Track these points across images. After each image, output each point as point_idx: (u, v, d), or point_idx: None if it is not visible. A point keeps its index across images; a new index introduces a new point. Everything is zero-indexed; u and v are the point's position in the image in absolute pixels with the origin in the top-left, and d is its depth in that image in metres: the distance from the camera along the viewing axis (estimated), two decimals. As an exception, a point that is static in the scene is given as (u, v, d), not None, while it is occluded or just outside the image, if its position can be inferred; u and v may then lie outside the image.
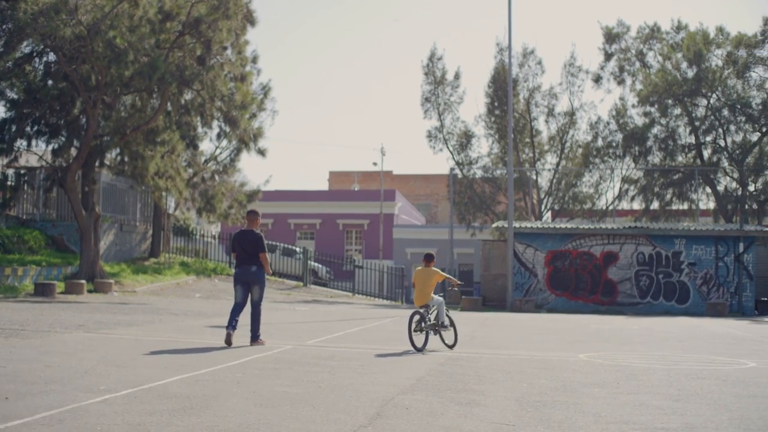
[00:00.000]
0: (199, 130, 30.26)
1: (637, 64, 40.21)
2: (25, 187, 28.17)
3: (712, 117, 37.45)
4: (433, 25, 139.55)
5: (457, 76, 41.26)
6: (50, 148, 25.92)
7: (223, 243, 35.48)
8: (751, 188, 37.42)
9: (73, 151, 25.08)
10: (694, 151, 38.61)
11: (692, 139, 38.36)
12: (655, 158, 39.14)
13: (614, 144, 39.63)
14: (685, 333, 16.25)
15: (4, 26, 22.03)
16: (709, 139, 38.23)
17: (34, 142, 25.62)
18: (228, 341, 10.25)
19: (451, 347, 10.97)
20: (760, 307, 27.58)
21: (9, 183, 26.11)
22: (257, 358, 9.18)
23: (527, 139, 40.83)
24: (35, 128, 25.39)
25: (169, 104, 25.29)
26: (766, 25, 36.14)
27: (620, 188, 39.64)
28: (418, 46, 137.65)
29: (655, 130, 38.55)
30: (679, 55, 38.13)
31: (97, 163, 26.34)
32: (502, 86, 38.73)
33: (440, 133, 40.83)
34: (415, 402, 6.48)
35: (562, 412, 6.30)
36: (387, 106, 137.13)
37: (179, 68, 22.68)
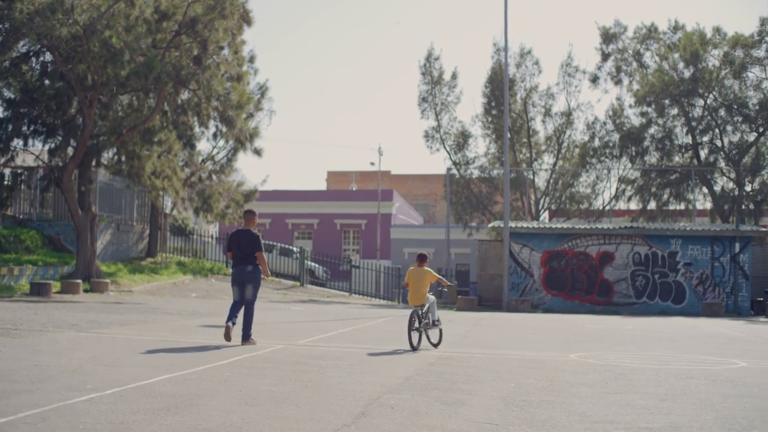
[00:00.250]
0: (196, 129, 30.31)
1: (634, 64, 40.22)
2: (22, 187, 28.20)
3: (709, 117, 37.47)
4: (431, 25, 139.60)
5: (454, 76, 41.29)
6: (47, 147, 25.97)
7: (220, 243, 35.50)
8: (748, 188, 37.43)
9: (70, 151, 25.12)
10: (690, 152, 38.62)
11: (689, 140, 38.38)
12: (652, 158, 39.16)
13: (611, 144, 39.64)
14: (679, 333, 16.26)
15: (0, 26, 22.04)
16: (705, 139, 38.24)
17: (30, 142, 25.69)
18: (227, 336, 10.32)
19: (435, 346, 11.18)
20: (756, 307, 27.58)
21: (6, 182, 26.14)
22: (247, 357, 9.20)
23: (524, 139, 40.84)
24: (32, 128, 25.42)
25: (165, 104, 25.32)
26: (762, 26, 36.16)
27: (617, 188, 39.66)
28: (415, 46, 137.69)
29: (652, 130, 38.56)
30: (676, 55, 38.14)
31: (93, 163, 26.38)
32: (499, 86, 38.75)
33: (437, 133, 40.84)
34: (401, 401, 6.50)
35: (548, 411, 6.32)
36: (385, 106, 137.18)
37: (175, 68, 22.71)
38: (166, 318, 15.12)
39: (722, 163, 38.11)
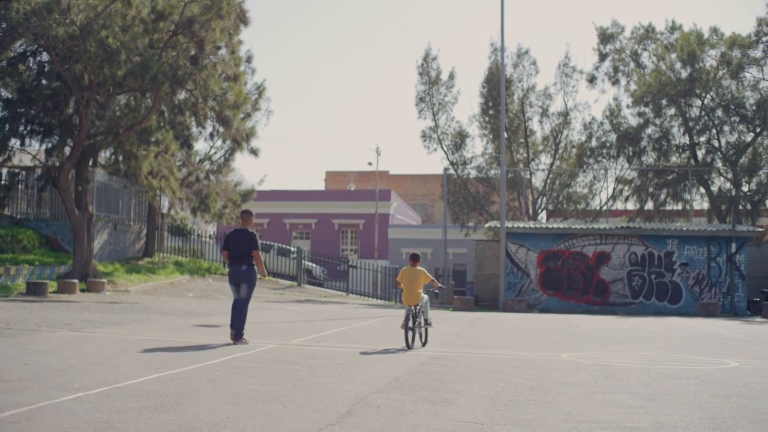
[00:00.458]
0: (194, 129, 30.32)
1: (632, 64, 40.22)
2: (19, 187, 28.21)
3: (706, 117, 37.47)
4: (429, 25, 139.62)
5: (451, 77, 41.27)
6: (44, 147, 25.97)
7: (218, 243, 35.52)
8: (745, 188, 37.44)
9: (67, 151, 25.13)
10: (688, 152, 38.64)
11: (686, 140, 38.39)
12: (649, 158, 39.17)
13: (608, 144, 39.65)
14: (673, 333, 16.28)
15: (-3, 26, 22.06)
16: (703, 139, 38.25)
17: (27, 142, 25.68)
18: (234, 339, 10.72)
19: (423, 345, 11.32)
20: (753, 307, 27.59)
21: (3, 182, 26.16)
22: (237, 357, 9.21)
23: (521, 140, 40.84)
24: (29, 127, 25.42)
25: (162, 104, 25.32)
26: (759, 26, 36.14)
27: (614, 188, 39.66)
28: (413, 46, 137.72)
29: (649, 130, 38.58)
30: (673, 55, 38.15)
31: (90, 163, 26.39)
32: (496, 86, 38.74)
33: (435, 133, 40.84)
34: (388, 401, 6.51)
35: (534, 411, 6.34)
36: (383, 106, 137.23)
37: (172, 68, 22.71)
38: (160, 318, 15.13)
39: (719, 164, 38.12)
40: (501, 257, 28.11)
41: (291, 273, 34.95)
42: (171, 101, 26.02)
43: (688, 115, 37.72)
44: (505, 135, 34.70)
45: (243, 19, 25.82)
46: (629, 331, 16.63)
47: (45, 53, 23.66)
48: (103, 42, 21.12)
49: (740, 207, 36.51)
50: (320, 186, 73.59)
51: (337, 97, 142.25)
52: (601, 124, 40.05)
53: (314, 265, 37.50)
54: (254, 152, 29.24)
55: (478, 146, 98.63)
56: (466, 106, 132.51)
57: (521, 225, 30.30)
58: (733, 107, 36.55)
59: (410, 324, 11.00)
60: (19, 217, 28.24)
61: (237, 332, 10.77)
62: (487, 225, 34.42)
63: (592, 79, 40.70)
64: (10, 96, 24.54)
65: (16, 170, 27.08)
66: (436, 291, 12.16)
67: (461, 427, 5.59)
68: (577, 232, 28.78)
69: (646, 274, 28.05)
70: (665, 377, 8.66)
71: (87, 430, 4.93)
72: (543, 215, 41.14)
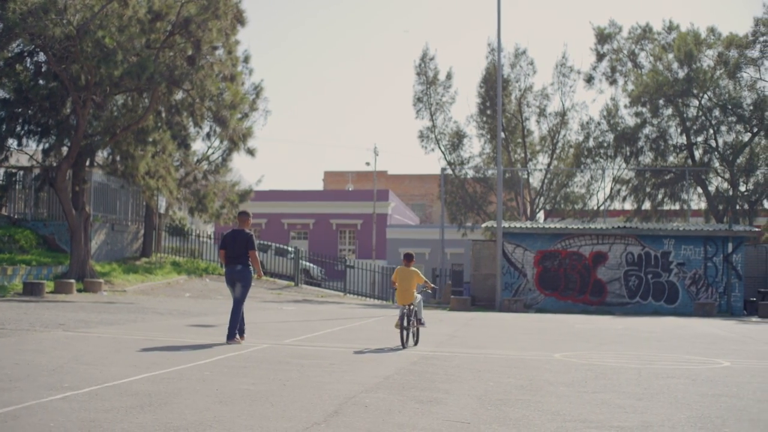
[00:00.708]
0: (191, 130, 30.30)
1: (629, 64, 40.26)
2: (16, 187, 28.22)
3: (703, 117, 37.51)
4: (427, 26, 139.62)
5: (449, 77, 41.31)
6: (41, 147, 25.99)
7: (216, 243, 35.52)
8: (742, 188, 37.48)
9: (64, 151, 25.13)
10: (685, 152, 38.66)
11: (683, 140, 38.42)
12: (647, 158, 39.19)
13: (605, 144, 39.68)
14: (668, 333, 16.29)
15: (-7, 26, 22.05)
16: (700, 139, 38.28)
17: (24, 142, 25.70)
18: (237, 341, 10.84)
19: (415, 344, 11.39)
20: (749, 307, 27.61)
21: (0, 182, 26.15)
22: (229, 356, 9.23)
23: (519, 140, 40.86)
24: (26, 127, 25.44)
25: (159, 104, 25.33)
26: (757, 26, 36.18)
27: (611, 188, 39.71)
28: (411, 46, 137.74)
29: (647, 130, 38.61)
30: (671, 55, 38.19)
31: (87, 163, 26.39)
32: (493, 86, 38.76)
33: (432, 133, 40.87)
34: (376, 400, 6.53)
35: (522, 410, 6.35)
36: (382, 107, 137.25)
37: (169, 68, 22.72)
38: (155, 318, 15.14)
39: (717, 164, 38.15)
40: (498, 257, 28.13)
41: (288, 273, 34.96)
42: (168, 101, 26.03)
43: (685, 115, 37.75)
44: (503, 135, 34.75)
45: (240, 19, 25.81)
46: (624, 331, 16.65)
47: (42, 53, 23.68)
48: (100, 42, 21.14)
49: (737, 207, 36.55)
50: (318, 186, 73.65)
51: (335, 97, 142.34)
52: (599, 124, 40.10)
53: (312, 265, 37.51)
54: (251, 152, 29.27)
55: (475, 146, 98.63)
56: (463, 106, 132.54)
57: (518, 225, 30.32)
58: (730, 107, 36.58)
59: (405, 323, 11.08)
60: (16, 217, 28.25)
61: (230, 332, 10.78)
62: (484, 225, 34.46)
63: (589, 79, 40.75)
64: (7, 96, 24.56)
65: (14, 170, 27.11)
66: (429, 291, 12.23)
67: (447, 426, 5.61)
68: (574, 232, 28.80)
69: (643, 274, 28.08)
70: (656, 377, 8.67)
71: (73, 429, 4.95)
72: (540, 215, 41.17)
